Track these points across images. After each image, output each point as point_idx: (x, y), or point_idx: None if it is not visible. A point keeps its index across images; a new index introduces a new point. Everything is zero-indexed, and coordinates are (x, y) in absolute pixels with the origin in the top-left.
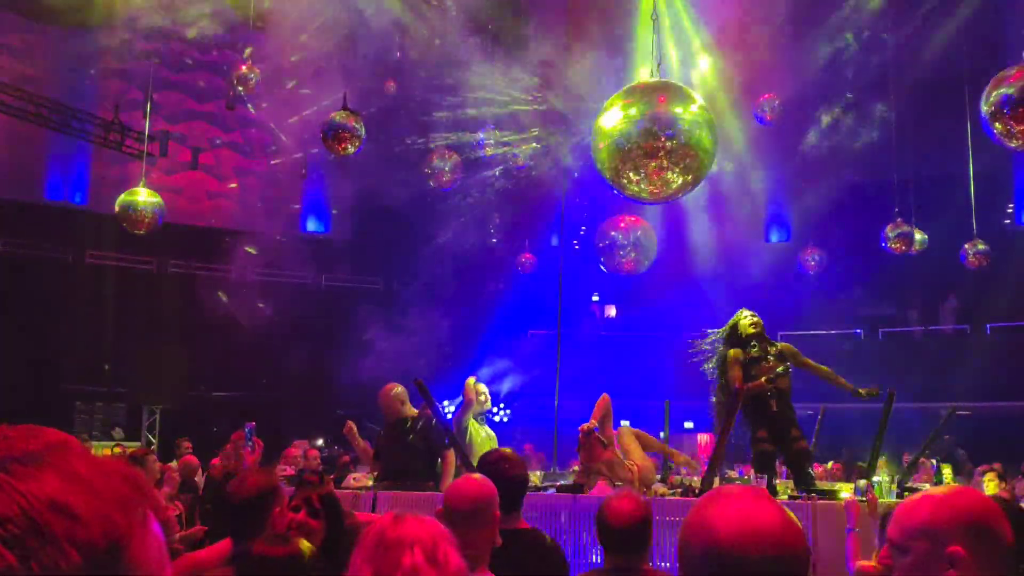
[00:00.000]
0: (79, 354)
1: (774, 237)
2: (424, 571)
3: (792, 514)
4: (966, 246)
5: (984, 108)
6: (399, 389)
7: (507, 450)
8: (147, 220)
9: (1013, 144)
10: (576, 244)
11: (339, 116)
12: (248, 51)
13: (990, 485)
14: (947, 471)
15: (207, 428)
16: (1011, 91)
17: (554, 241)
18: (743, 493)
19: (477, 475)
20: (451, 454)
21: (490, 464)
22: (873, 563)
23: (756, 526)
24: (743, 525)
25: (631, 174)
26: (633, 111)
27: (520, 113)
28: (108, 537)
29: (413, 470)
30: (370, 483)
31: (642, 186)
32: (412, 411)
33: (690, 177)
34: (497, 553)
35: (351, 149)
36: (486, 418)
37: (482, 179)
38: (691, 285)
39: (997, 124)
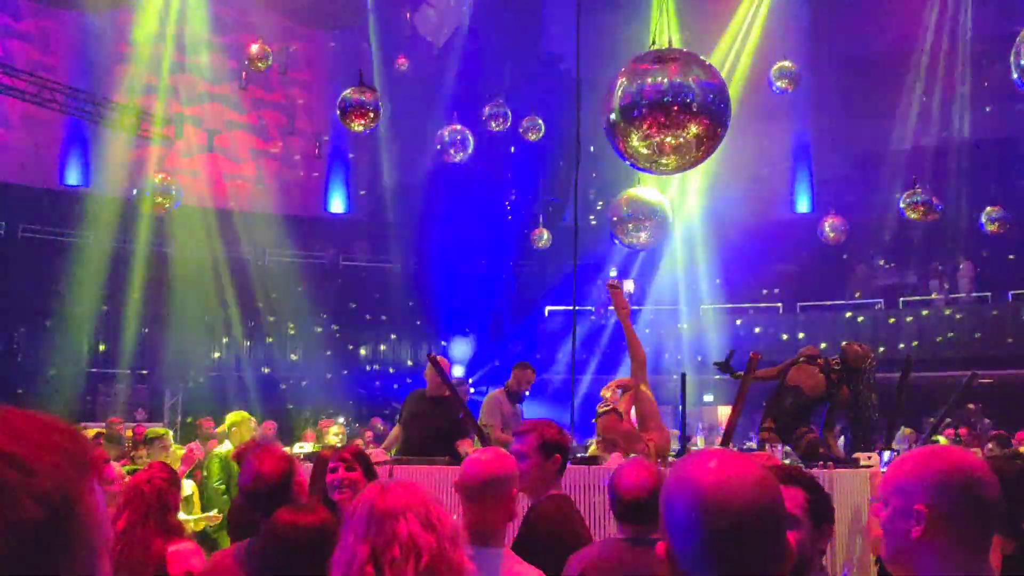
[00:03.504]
0: (101, 336)
1: (795, 207)
2: (421, 537)
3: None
4: (985, 212)
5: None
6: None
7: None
8: (165, 203)
9: None
10: (592, 219)
11: (354, 92)
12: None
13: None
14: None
15: (230, 409)
16: None
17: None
18: (723, 451)
19: (497, 448)
20: (469, 440)
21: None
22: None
23: (736, 475)
24: (724, 475)
25: (644, 145)
26: (645, 79)
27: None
28: (61, 489)
29: (435, 448)
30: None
31: (656, 156)
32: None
33: (704, 147)
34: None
35: (369, 124)
36: (522, 397)
37: (497, 154)
38: (708, 257)
39: None
